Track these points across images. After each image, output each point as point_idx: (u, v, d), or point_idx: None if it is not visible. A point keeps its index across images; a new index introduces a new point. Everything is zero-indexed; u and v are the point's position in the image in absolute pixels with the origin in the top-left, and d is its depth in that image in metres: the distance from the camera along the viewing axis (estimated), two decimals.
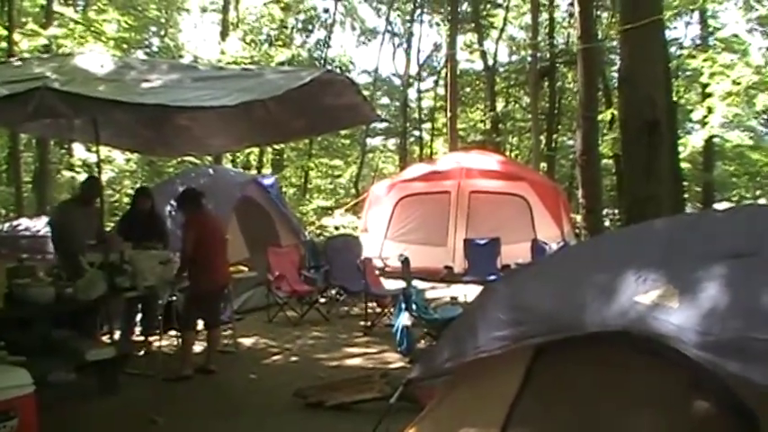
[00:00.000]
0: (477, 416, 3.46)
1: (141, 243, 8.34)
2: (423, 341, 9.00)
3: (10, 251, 12.33)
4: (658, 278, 2.89)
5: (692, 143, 20.78)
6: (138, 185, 20.43)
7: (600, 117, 18.20)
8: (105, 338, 8.22)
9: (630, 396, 2.88)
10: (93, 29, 22.84)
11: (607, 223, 23.13)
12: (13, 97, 5.68)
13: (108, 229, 9.63)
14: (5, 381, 5.01)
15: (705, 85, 20.59)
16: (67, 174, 23.54)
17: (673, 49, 26.91)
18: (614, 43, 21.96)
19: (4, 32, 19.84)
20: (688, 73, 27.20)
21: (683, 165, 22.37)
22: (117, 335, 8.52)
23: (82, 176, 20.75)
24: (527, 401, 3.21)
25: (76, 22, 22.87)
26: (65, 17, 22.47)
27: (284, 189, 27.39)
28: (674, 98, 22.47)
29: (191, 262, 8.15)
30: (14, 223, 15.15)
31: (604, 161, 23.67)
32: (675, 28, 28.78)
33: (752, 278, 2.73)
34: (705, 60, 19.49)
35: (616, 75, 19.71)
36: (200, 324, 8.49)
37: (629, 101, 9.95)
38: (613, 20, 25.45)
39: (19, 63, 9.36)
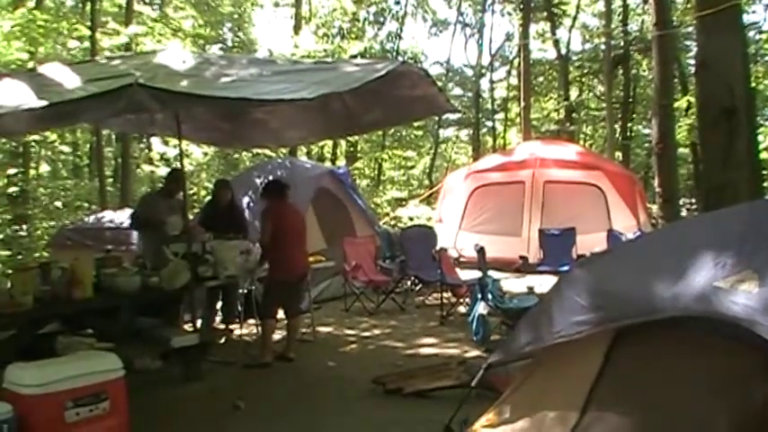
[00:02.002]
0: (557, 398, 3.52)
1: (222, 234, 8.52)
2: (498, 331, 9.03)
3: (95, 243, 12.69)
4: (737, 263, 2.91)
5: None
6: (214, 178, 20.80)
7: (675, 104, 17.91)
8: (188, 326, 8.46)
9: (709, 378, 2.91)
10: (170, 26, 23.35)
11: (684, 213, 22.72)
12: (105, 94, 5.88)
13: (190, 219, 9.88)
14: (97, 365, 5.23)
15: None
16: (147, 167, 24.08)
17: (751, 34, 26.24)
18: (690, 29, 21.54)
19: (88, 32, 20.40)
20: (767, 58, 26.51)
21: (763, 153, 21.83)
22: (199, 323, 8.76)
23: (161, 170, 21.28)
24: (607, 384, 3.25)
25: (155, 20, 23.40)
26: (143, 15, 22.99)
27: (358, 180, 27.55)
28: (753, 84, 21.96)
29: (270, 251, 8.34)
30: (99, 216, 15.55)
31: (681, 150, 23.27)
32: (754, 12, 28.08)
33: None
34: None
35: (692, 61, 19.39)
36: (281, 313, 8.65)
37: (705, 88, 9.81)
38: (689, 5, 24.95)
39: (104, 61, 9.63)
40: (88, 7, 21.96)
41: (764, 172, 23.06)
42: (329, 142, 28.30)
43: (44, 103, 6.02)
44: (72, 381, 4.94)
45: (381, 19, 34.57)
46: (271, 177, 11.06)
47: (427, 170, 34.91)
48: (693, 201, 25.72)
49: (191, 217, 10.71)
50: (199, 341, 7.51)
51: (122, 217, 14.32)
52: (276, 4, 30.52)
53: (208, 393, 7.11)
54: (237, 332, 9.43)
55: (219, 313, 9.44)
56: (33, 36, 18.99)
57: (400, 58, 29.58)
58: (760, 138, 18.09)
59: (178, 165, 10.44)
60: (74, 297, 6.66)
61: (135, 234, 10.80)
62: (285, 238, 8.26)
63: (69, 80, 6.79)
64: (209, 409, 6.68)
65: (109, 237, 13.34)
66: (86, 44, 21.17)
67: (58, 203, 24.36)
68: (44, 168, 27.56)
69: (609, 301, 3.27)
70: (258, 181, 11.82)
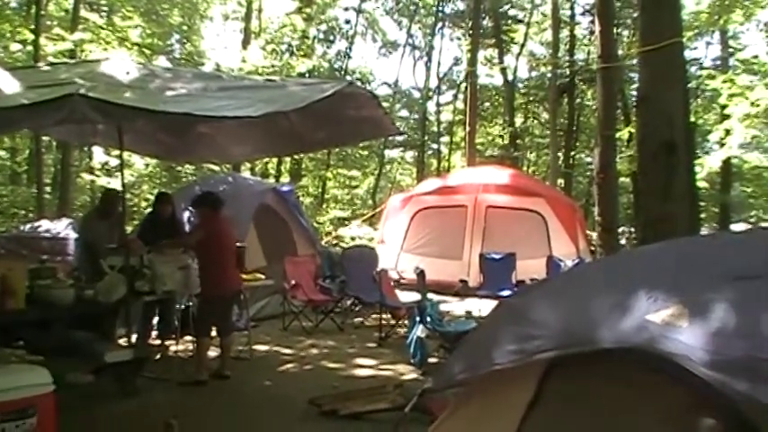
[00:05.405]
0: (489, 428, 3.52)
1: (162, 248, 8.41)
2: (436, 354, 9.05)
3: (31, 252, 12.46)
4: (669, 298, 2.95)
5: (709, 164, 20.72)
6: (156, 190, 20.61)
7: (617, 135, 18.19)
8: (123, 341, 8.32)
9: (640, 412, 2.93)
10: (117, 34, 23.11)
11: (623, 241, 23.05)
12: (45, 103, 5.79)
13: (128, 233, 9.74)
14: (25, 379, 5.10)
15: (724, 106, 20.57)
16: (87, 177, 23.75)
17: (693, 69, 26.92)
18: (634, 61, 21.98)
19: (32, 36, 20.08)
20: (707, 93, 27.16)
21: (701, 185, 22.31)
22: (134, 338, 8.63)
23: (102, 180, 20.99)
24: (538, 415, 3.26)
25: (101, 28, 23.13)
26: (90, 22, 22.70)
27: (301, 198, 27.51)
28: (693, 119, 22.49)
29: (203, 268, 8.25)
30: (35, 224, 15.28)
31: (621, 179, 23.69)
32: (696, 48, 28.79)
33: (762, 300, 2.79)
34: (724, 81, 19.48)
35: (635, 93, 19.74)
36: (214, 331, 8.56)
37: (646, 122, 9.94)
38: (634, 38, 25.48)
39: (48, 68, 9.49)
40: (33, 10, 21.58)
41: (701, 204, 23.66)
42: (274, 159, 28.22)
43: None
44: None
45: (331, 37, 34.73)
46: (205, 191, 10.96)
47: (371, 190, 35.00)
48: (633, 229, 26.16)
49: (129, 230, 10.60)
50: (133, 357, 7.41)
51: (60, 226, 14.10)
52: (226, 18, 30.39)
53: (141, 410, 6.98)
54: (173, 348, 9.30)
55: (156, 329, 9.31)
56: None
57: (348, 78, 29.71)
58: (697, 169, 18.50)
59: (113, 184, 10.24)
60: (5, 308, 6.48)
61: (72, 245, 10.63)
62: (217, 254, 8.15)
63: (9, 86, 6.67)
64: (141, 426, 6.56)
65: (45, 246, 13.11)
66: (29, 48, 20.84)
67: None
68: None
69: (543, 331, 3.28)
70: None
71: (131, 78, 7.25)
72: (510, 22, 35.60)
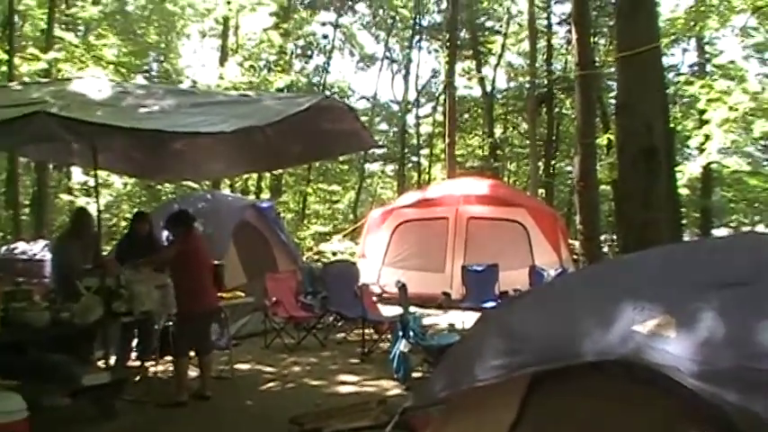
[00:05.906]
0: None
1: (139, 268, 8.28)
2: (420, 368, 8.95)
3: (6, 274, 12.28)
4: (655, 307, 2.88)
5: (689, 170, 20.81)
6: (135, 209, 20.44)
7: (597, 142, 18.23)
8: (101, 363, 8.17)
9: (627, 425, 2.86)
10: (92, 53, 22.96)
11: (605, 249, 23.13)
12: (12, 122, 5.68)
13: (105, 253, 9.61)
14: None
15: (702, 112, 20.67)
16: (66, 197, 23.53)
17: (670, 75, 27.07)
18: (612, 69, 22.08)
19: (5, 56, 19.92)
20: (686, 99, 27.32)
21: (682, 190, 22.41)
22: (113, 360, 8.48)
23: (80, 200, 20.79)
24: (524, 431, 3.18)
25: (76, 46, 22.97)
26: (65, 41, 22.55)
27: (282, 214, 27.41)
28: (672, 125, 22.59)
29: (181, 286, 8.12)
30: (11, 246, 15.13)
31: (602, 187, 23.79)
32: (673, 54, 28.99)
33: (749, 308, 2.72)
34: (702, 87, 19.58)
35: (614, 101, 19.83)
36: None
37: (626, 128, 9.94)
38: (611, 46, 25.59)
39: (19, 87, 9.39)
40: (7, 31, 21.42)
41: (683, 209, 23.77)
42: (254, 175, 28.11)
43: None
44: None
45: (309, 52, 34.75)
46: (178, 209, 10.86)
47: (352, 205, 34.95)
48: (615, 237, 26.25)
49: (108, 249, 10.45)
50: (111, 379, 7.27)
51: (36, 248, 13.94)
52: (203, 35, 30.31)
53: None
54: (153, 369, 9.16)
55: (135, 350, 9.16)
56: None
57: (327, 92, 29.73)
58: (678, 174, 18.56)
59: (92, 204, 10.11)
60: None
61: (48, 266, 10.49)
62: (192, 272, 8.03)
63: None
64: None
65: (21, 268, 12.96)
66: (3, 68, 20.67)
67: None
68: None
69: (526, 345, 3.20)
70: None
71: (103, 96, 7.17)
72: (487, 33, 35.77)
